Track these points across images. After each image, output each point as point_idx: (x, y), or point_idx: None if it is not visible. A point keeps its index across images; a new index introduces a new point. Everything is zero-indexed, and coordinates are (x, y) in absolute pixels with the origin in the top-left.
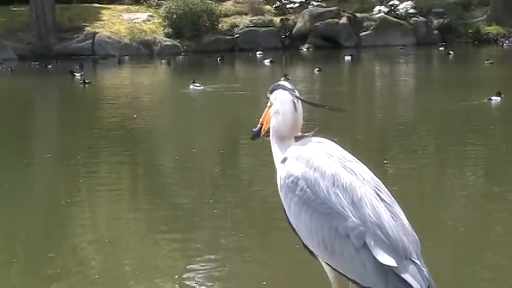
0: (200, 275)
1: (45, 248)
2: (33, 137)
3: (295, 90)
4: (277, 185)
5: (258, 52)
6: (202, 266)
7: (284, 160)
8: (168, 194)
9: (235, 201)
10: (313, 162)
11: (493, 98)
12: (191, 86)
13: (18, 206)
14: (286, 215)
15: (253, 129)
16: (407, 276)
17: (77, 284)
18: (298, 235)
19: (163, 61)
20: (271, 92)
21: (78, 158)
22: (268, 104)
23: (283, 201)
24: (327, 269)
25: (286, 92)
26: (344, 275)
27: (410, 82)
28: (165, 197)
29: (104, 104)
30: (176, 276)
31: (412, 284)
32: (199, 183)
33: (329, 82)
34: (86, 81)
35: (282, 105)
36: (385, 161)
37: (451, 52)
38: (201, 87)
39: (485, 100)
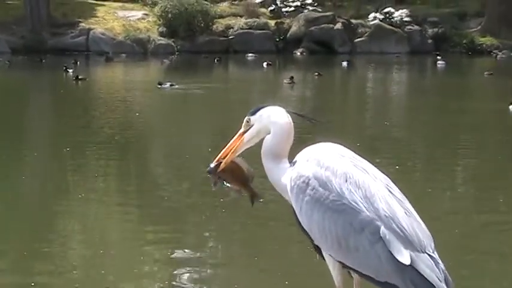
0: (188, 276)
1: (34, 244)
2: (24, 133)
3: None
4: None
5: (250, 54)
6: (189, 267)
7: (294, 163)
8: (158, 192)
9: (223, 203)
10: (324, 162)
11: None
12: (164, 85)
13: (5, 203)
14: (297, 217)
15: (210, 165)
16: (424, 269)
17: (64, 280)
18: (309, 236)
19: (164, 60)
20: (253, 113)
21: (66, 155)
22: (241, 130)
23: (293, 203)
24: (334, 273)
25: (276, 107)
26: (359, 272)
27: (410, 91)
28: (155, 196)
29: (96, 101)
30: (164, 276)
31: (428, 276)
32: (191, 182)
33: (331, 88)
34: (79, 77)
35: (276, 120)
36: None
37: (440, 62)
38: (176, 86)
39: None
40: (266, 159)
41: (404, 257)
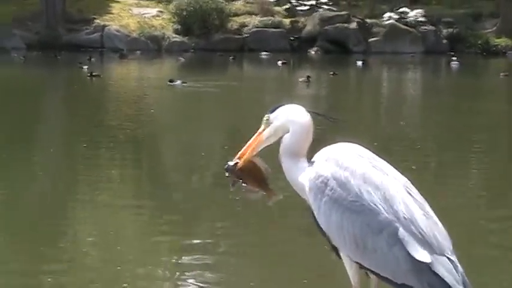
0: (196, 274)
1: (42, 240)
2: (37, 130)
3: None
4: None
5: (264, 53)
6: (199, 265)
7: (312, 163)
8: (170, 190)
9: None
10: (343, 162)
11: None
12: (176, 82)
13: (19, 197)
14: (315, 218)
15: (228, 163)
16: (442, 272)
17: (73, 276)
18: (327, 237)
19: (180, 58)
20: (272, 111)
21: (81, 152)
22: (261, 128)
23: (312, 203)
24: (350, 273)
25: (295, 106)
26: (376, 273)
27: (425, 91)
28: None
29: (110, 98)
30: (173, 275)
31: (447, 279)
32: (203, 180)
33: (346, 87)
34: (94, 73)
35: (295, 118)
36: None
37: (454, 63)
38: (186, 83)
39: None
40: (284, 158)
41: (423, 256)
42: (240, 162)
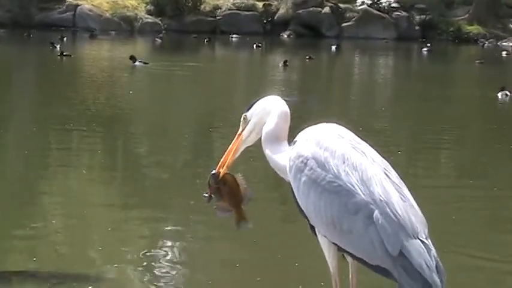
0: (166, 252)
1: (15, 219)
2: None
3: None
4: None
5: (234, 35)
6: (169, 244)
7: (294, 142)
8: (141, 169)
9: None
10: (323, 143)
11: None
12: (136, 63)
13: None
14: (295, 197)
15: (212, 171)
16: (413, 256)
17: (42, 255)
18: (306, 216)
19: (157, 39)
20: (248, 108)
21: (50, 131)
22: (240, 130)
23: (292, 182)
24: (329, 258)
25: (270, 97)
26: (352, 255)
27: (400, 77)
28: (138, 173)
29: (78, 78)
30: (142, 253)
31: (419, 261)
32: (174, 160)
33: (324, 71)
34: (64, 53)
35: (271, 108)
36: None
37: (425, 49)
38: (148, 64)
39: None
40: (266, 144)
41: (393, 247)
42: (223, 170)
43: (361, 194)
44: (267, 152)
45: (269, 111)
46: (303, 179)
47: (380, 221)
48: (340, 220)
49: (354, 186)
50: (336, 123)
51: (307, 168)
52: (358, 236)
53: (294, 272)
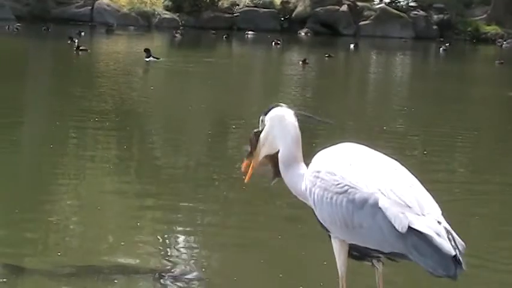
0: (178, 249)
1: (26, 212)
2: (21, 102)
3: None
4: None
5: (250, 32)
6: (182, 242)
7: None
8: (156, 166)
9: (224, 181)
10: (333, 156)
11: None
12: (150, 58)
13: (2, 171)
14: (316, 215)
15: (254, 131)
16: (422, 227)
17: (53, 249)
18: (326, 228)
19: (176, 34)
20: (266, 113)
21: (58, 124)
22: (259, 129)
23: (309, 198)
24: (339, 262)
25: (281, 112)
26: (369, 249)
27: (421, 76)
28: (152, 170)
29: (93, 73)
30: (154, 248)
31: (427, 232)
32: (188, 158)
33: (347, 70)
34: (81, 48)
35: (281, 121)
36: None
37: (443, 48)
38: (160, 59)
39: None
40: (284, 172)
41: (401, 223)
42: (250, 171)
43: (365, 187)
44: (286, 179)
45: (277, 128)
46: (316, 190)
47: (386, 206)
48: (350, 217)
49: (358, 183)
50: (356, 142)
51: (318, 180)
52: (368, 228)
53: (294, 272)
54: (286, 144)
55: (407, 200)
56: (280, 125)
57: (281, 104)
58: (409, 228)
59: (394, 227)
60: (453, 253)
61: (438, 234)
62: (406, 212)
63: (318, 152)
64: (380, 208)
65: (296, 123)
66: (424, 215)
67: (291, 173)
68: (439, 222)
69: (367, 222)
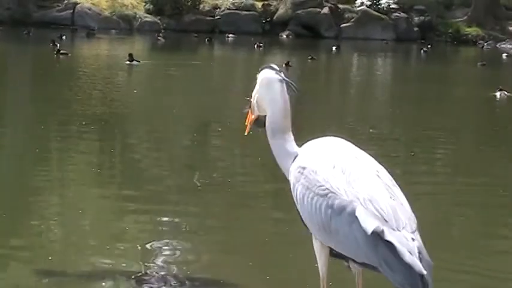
0: (163, 252)
1: (10, 217)
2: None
3: (282, 72)
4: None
5: (230, 35)
6: (166, 244)
7: (295, 156)
8: (139, 169)
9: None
10: (319, 153)
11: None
12: (133, 62)
13: None
14: (298, 210)
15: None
16: (394, 241)
17: (38, 253)
18: (305, 224)
19: (159, 37)
20: (259, 71)
21: (43, 128)
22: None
23: (293, 194)
24: (319, 262)
25: (271, 71)
26: (344, 255)
27: (404, 78)
28: (136, 172)
29: (72, 77)
30: (139, 252)
31: (399, 249)
32: (173, 161)
33: (330, 72)
34: (61, 51)
35: (268, 86)
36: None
37: (425, 50)
38: (139, 63)
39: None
40: (270, 138)
41: (371, 226)
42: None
43: (345, 194)
44: (272, 147)
45: (267, 94)
46: (299, 188)
47: (361, 216)
48: (328, 222)
49: (339, 188)
50: (340, 136)
51: (303, 177)
52: (344, 235)
53: (281, 275)
54: (273, 113)
55: (385, 214)
56: (268, 89)
57: (273, 65)
58: (382, 240)
59: (367, 237)
60: (424, 272)
61: (410, 252)
62: (379, 224)
63: (307, 141)
64: (356, 218)
65: (285, 93)
66: (399, 230)
67: (277, 143)
68: (413, 239)
69: (344, 230)
